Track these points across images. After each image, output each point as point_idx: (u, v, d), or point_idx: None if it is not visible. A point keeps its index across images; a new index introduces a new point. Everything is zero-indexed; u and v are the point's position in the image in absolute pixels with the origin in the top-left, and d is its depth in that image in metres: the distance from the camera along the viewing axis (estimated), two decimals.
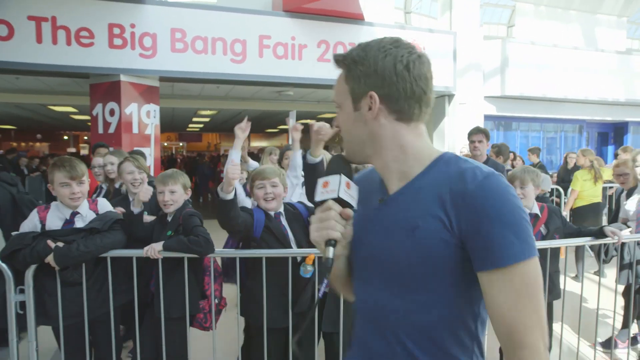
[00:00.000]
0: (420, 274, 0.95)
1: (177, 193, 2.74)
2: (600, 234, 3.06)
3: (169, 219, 2.77)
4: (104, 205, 2.74)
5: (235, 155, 2.92)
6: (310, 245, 2.67)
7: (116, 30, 6.94)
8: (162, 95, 8.90)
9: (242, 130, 2.98)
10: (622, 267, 3.33)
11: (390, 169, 1.03)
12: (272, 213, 2.70)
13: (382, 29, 8.62)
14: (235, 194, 2.42)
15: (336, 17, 8.17)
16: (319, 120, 10.22)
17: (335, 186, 1.01)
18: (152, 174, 6.22)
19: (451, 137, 9.71)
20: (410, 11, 12.41)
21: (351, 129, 1.05)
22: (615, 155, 7.54)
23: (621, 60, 10.89)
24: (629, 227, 3.25)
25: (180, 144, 31.12)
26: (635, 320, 3.59)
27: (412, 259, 0.95)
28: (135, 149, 5.99)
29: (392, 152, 1.02)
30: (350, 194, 1.02)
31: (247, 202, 3.33)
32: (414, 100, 0.99)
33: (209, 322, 2.74)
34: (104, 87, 7.24)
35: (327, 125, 2.56)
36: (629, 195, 3.60)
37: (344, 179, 1.02)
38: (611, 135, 12.72)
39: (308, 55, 8.16)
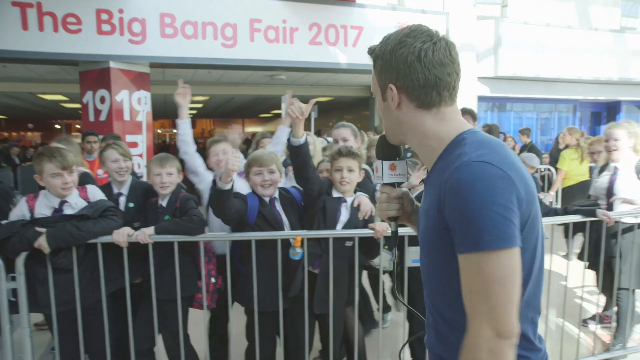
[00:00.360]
0: (426, 245, 1.11)
1: (173, 175, 2.78)
2: (591, 213, 3.08)
3: (163, 203, 2.78)
4: (95, 192, 2.74)
5: (184, 126, 2.94)
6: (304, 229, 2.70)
7: (104, 16, 6.83)
8: (153, 81, 8.80)
9: (182, 96, 2.95)
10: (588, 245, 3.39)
11: (420, 153, 1.14)
12: (266, 199, 2.73)
13: (374, 11, 8.53)
14: (232, 185, 2.43)
15: None
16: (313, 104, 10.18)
17: (381, 172, 1.20)
18: (145, 161, 6.22)
19: None
20: None
21: (384, 117, 1.17)
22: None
23: (615, 39, 10.83)
24: (599, 204, 3.27)
25: (174, 131, 30.88)
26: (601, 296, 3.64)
27: (424, 234, 1.10)
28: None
29: (416, 138, 1.11)
30: (396, 174, 1.21)
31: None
32: (429, 87, 1.04)
33: (208, 301, 2.82)
34: (94, 74, 7.15)
35: (302, 104, 2.58)
36: (600, 172, 3.60)
37: (387, 163, 1.21)
38: (604, 114, 12.71)
39: (300, 39, 8.07)
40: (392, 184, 1.24)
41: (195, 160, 3.09)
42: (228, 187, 2.38)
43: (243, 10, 7.71)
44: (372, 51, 1.14)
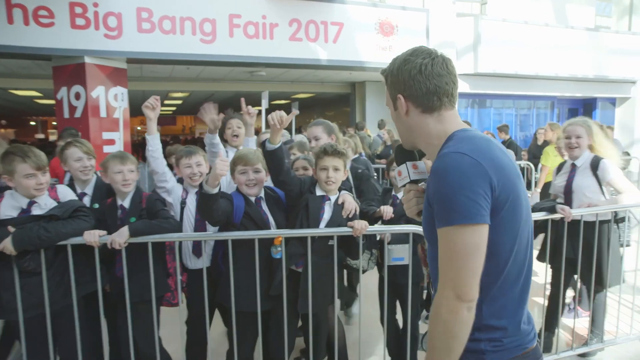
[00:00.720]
0: (427, 230, 1.27)
1: (134, 173, 2.72)
2: (552, 210, 3.09)
3: (125, 203, 2.69)
4: (65, 192, 2.64)
5: (153, 141, 2.82)
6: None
7: (78, 10, 6.65)
8: (131, 77, 8.62)
9: (150, 109, 2.85)
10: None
11: (427, 152, 1.34)
12: (252, 198, 2.68)
13: (354, 7, 8.50)
14: (219, 188, 2.38)
15: None
16: (293, 100, 10.09)
17: (405, 173, 1.39)
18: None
19: None
20: None
21: (397, 125, 1.39)
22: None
23: (590, 37, 11.02)
24: (560, 202, 3.25)
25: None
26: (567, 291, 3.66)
27: (425, 221, 1.26)
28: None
29: (423, 138, 1.32)
30: (419, 172, 1.39)
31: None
32: (431, 94, 1.26)
33: (176, 299, 2.78)
34: (68, 69, 6.96)
35: (283, 113, 2.54)
36: (558, 170, 3.59)
37: (410, 164, 1.39)
38: (581, 111, 12.94)
39: (280, 35, 8.00)
40: (417, 181, 1.41)
41: (166, 176, 2.90)
42: (215, 191, 2.32)
43: (222, 6, 7.60)
44: (383, 71, 1.37)
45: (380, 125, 9.69)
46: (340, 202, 2.69)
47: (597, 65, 11.09)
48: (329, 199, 2.71)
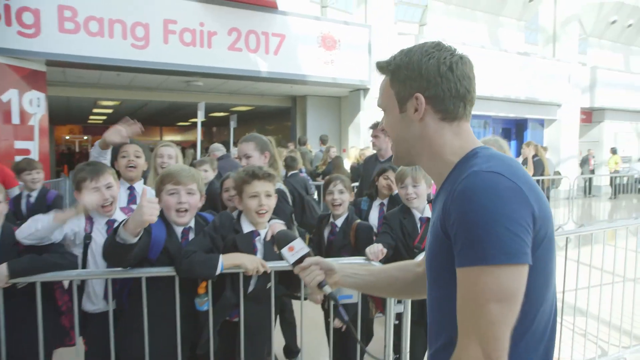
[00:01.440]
0: (434, 269, 1.02)
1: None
2: None
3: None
4: None
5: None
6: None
7: None
8: (52, 81, 7.90)
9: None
10: None
11: (431, 169, 1.09)
12: (178, 229, 2.15)
13: (296, 19, 8.34)
14: (140, 237, 1.86)
15: (248, 3, 7.72)
16: (232, 113, 9.69)
17: (288, 258, 1.32)
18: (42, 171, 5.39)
19: (367, 132, 9.69)
20: (327, 5, 12.26)
21: (398, 131, 1.11)
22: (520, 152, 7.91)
23: (521, 61, 11.59)
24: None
25: (85, 137, 28.68)
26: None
27: (431, 257, 1.03)
28: None
29: (433, 152, 1.06)
30: (297, 250, 1.32)
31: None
32: (459, 99, 1.03)
33: (73, 340, 2.24)
34: None
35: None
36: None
37: (285, 250, 1.32)
38: (513, 130, 13.57)
39: (218, 44, 7.65)
40: (300, 260, 1.31)
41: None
42: (134, 240, 1.84)
43: (156, 10, 7.16)
44: (388, 63, 1.11)
45: (324, 141, 9.52)
46: (269, 236, 2.20)
47: (528, 87, 11.66)
48: (259, 234, 2.20)
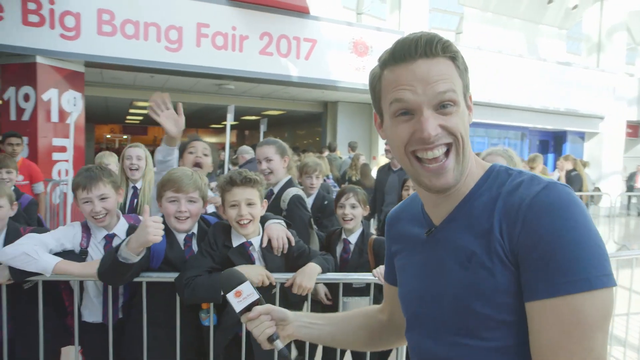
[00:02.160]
0: (479, 314, 0.80)
1: (4, 208, 2.18)
2: None
3: None
4: None
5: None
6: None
7: (31, 6, 6.22)
8: (91, 82, 8.18)
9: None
10: None
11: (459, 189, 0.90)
12: (180, 236, 2.08)
13: (328, 24, 8.32)
14: (142, 256, 1.82)
15: (280, 8, 7.76)
16: (263, 117, 9.75)
17: (234, 305, 1.12)
18: (72, 167, 5.56)
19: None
20: (362, 12, 12.21)
21: (467, 133, 0.90)
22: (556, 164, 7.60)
23: (561, 71, 11.15)
24: None
25: (125, 137, 29.67)
26: None
27: (468, 296, 0.81)
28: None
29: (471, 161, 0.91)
30: (244, 297, 1.12)
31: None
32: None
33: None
34: (16, 68, 6.48)
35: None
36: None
37: (230, 296, 1.12)
38: (552, 143, 13.07)
39: (249, 47, 7.71)
40: (248, 308, 1.11)
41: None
42: (136, 259, 1.79)
43: (190, 13, 7.29)
44: (455, 47, 0.88)
45: (353, 147, 9.43)
46: (265, 242, 2.07)
47: (567, 98, 11.21)
48: (252, 244, 2.07)
